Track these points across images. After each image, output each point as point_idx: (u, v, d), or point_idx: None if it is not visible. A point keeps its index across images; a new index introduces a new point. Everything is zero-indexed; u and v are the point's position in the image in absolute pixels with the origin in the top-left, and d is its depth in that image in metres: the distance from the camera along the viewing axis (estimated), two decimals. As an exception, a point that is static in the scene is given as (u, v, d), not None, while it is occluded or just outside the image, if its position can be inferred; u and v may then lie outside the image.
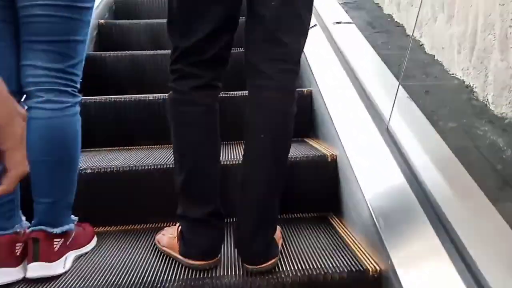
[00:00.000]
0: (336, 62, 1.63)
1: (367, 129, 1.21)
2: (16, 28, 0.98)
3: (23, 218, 1.05)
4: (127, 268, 1.02)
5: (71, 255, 1.05)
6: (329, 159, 1.32)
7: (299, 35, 0.98)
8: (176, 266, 1.02)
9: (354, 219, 1.16)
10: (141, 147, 1.64)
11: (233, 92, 1.66)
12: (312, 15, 1.02)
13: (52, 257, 0.98)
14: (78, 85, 1.06)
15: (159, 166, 1.31)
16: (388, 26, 2.15)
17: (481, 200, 0.84)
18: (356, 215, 1.14)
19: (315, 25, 1.75)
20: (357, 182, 1.12)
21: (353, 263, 0.98)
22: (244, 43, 1.00)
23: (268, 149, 0.97)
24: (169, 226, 1.21)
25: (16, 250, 0.98)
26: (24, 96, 1.02)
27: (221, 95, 1.05)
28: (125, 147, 1.64)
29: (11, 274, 0.96)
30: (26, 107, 1.01)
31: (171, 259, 1.05)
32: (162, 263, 1.04)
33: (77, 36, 1.01)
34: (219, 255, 1.03)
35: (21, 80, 0.99)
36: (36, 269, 0.96)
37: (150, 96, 1.64)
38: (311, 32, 1.01)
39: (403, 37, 1.99)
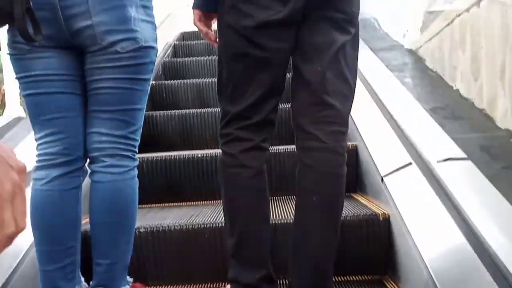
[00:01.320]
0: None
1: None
2: (85, 99, 1.08)
3: (82, 279, 1.09)
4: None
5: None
6: (381, 218, 1.28)
7: (346, 97, 1.01)
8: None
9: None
10: (190, 203, 1.68)
11: (277, 148, 1.69)
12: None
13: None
14: (137, 149, 1.12)
15: (208, 225, 1.33)
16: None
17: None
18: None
19: (410, 163, 1.28)
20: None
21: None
22: (291, 104, 1.04)
23: (321, 212, 0.98)
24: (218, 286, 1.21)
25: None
26: (88, 160, 1.10)
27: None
28: (174, 204, 1.68)
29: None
30: (89, 171, 1.09)
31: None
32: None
33: (137, 105, 1.09)
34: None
35: (87, 146, 1.07)
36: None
37: (199, 154, 1.70)
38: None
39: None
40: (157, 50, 1.11)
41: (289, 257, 1.03)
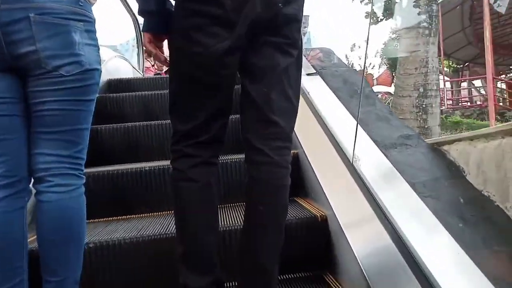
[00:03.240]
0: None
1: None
2: (27, 120, 1.08)
3: (31, 298, 1.09)
4: None
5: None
6: (320, 220, 1.40)
7: (289, 115, 1.09)
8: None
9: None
10: (139, 215, 1.70)
11: (225, 157, 1.76)
12: None
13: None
14: (83, 168, 1.15)
15: (157, 236, 1.36)
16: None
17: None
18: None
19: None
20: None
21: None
22: (240, 119, 1.11)
23: (266, 219, 1.06)
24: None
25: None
26: (33, 181, 1.10)
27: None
28: (123, 217, 1.69)
29: None
30: (35, 191, 1.09)
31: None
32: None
33: (83, 125, 1.11)
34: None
35: (32, 166, 1.08)
36: None
37: (146, 167, 1.73)
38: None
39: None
40: (100, 71, 1.14)
41: (237, 261, 1.11)
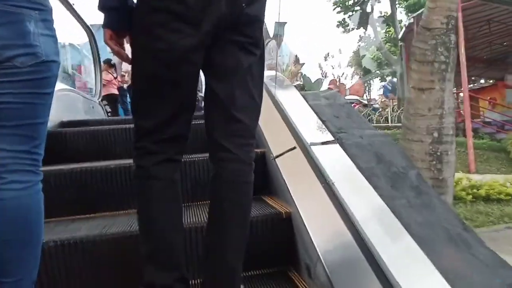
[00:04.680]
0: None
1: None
2: None
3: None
4: None
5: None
6: (284, 216, 1.42)
7: (253, 112, 1.12)
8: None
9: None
10: (102, 214, 1.67)
11: (191, 156, 1.76)
12: None
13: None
14: (41, 164, 1.11)
15: (121, 235, 1.34)
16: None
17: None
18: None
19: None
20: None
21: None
22: (204, 116, 1.12)
23: (231, 216, 1.07)
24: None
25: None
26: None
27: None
28: (86, 215, 1.65)
29: None
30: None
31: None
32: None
33: (40, 119, 1.07)
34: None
35: None
36: None
37: (111, 165, 1.70)
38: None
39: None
40: (59, 64, 1.09)
41: (202, 258, 1.11)
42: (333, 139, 1.50)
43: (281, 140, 1.72)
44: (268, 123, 1.93)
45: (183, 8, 0.97)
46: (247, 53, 1.07)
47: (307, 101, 1.89)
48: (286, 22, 11.36)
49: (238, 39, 1.05)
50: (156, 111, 1.06)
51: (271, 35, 10.79)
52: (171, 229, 1.09)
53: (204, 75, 1.11)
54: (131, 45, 1.07)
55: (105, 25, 1.07)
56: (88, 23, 4.04)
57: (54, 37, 1.07)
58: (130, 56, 1.09)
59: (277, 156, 1.65)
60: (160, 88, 1.04)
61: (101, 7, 1.05)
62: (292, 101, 1.93)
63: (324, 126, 1.62)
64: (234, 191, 1.08)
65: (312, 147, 1.46)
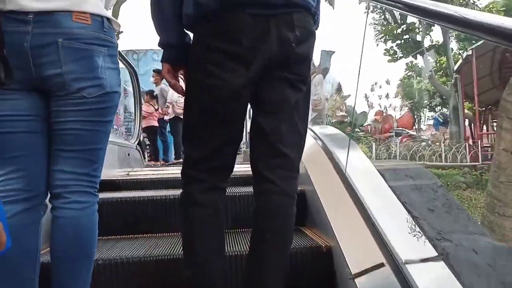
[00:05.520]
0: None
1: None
2: (48, 137, 1.13)
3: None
4: None
5: None
6: (324, 250, 1.41)
7: (298, 147, 1.15)
8: None
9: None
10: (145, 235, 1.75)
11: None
12: None
13: None
14: (98, 186, 1.19)
15: (165, 256, 1.40)
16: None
17: None
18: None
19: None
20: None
21: None
22: (250, 148, 1.16)
23: (272, 246, 1.09)
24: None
25: None
26: (49, 196, 1.14)
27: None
28: (130, 236, 1.74)
29: None
30: (50, 206, 1.14)
31: None
32: None
33: (100, 145, 1.17)
34: None
35: (50, 182, 1.13)
36: None
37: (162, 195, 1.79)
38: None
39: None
40: (119, 94, 1.19)
41: (241, 285, 1.13)
42: (435, 254, 1.03)
43: (358, 244, 1.30)
44: (338, 210, 1.53)
45: (238, 49, 1.03)
46: (295, 89, 1.11)
47: (386, 181, 1.44)
48: (334, 52, 11.23)
49: (286, 76, 1.09)
50: (206, 143, 1.11)
51: (316, 64, 10.71)
52: (212, 254, 1.12)
53: (252, 109, 1.16)
54: (186, 79, 1.14)
55: (164, 60, 1.15)
56: (136, 49, 4.08)
57: (117, 69, 1.18)
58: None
59: (358, 275, 1.15)
60: (211, 122, 1.09)
61: (161, 44, 1.13)
62: (367, 180, 1.50)
63: (418, 228, 1.17)
64: (276, 223, 1.11)
65: (407, 266, 1.01)
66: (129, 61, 4.11)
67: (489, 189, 3.48)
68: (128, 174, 2.74)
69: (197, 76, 1.09)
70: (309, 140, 1.89)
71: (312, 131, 2.15)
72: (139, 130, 4.07)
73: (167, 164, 6.57)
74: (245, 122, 1.16)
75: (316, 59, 10.78)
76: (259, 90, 1.10)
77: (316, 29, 1.16)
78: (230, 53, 1.03)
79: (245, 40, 1.02)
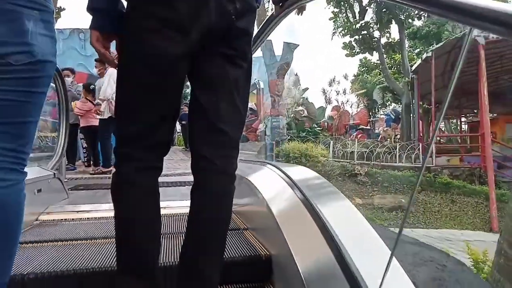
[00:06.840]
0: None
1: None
2: None
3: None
4: None
5: None
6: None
7: (237, 125, 1.13)
8: None
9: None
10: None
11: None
12: None
13: None
14: (26, 163, 1.11)
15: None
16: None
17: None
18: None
19: None
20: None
21: None
22: (188, 126, 1.13)
23: (210, 227, 1.08)
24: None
25: None
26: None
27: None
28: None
29: None
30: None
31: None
32: None
33: (31, 118, 1.08)
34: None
35: None
36: None
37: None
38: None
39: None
40: (55, 64, 1.10)
41: (178, 266, 1.10)
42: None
43: None
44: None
45: (174, 15, 0.99)
46: (234, 66, 1.09)
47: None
48: (298, 45, 10.99)
49: (226, 51, 1.07)
50: (141, 118, 1.06)
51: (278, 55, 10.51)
52: (149, 236, 1.09)
53: (190, 84, 1.13)
54: (119, 50, 1.08)
55: (93, 27, 1.07)
56: (83, 27, 3.44)
57: (53, 37, 1.08)
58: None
59: None
60: (145, 95, 1.04)
61: (89, 8, 1.06)
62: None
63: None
64: (214, 202, 1.09)
65: None
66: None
67: (505, 248, 2.91)
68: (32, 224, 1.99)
69: (131, 45, 1.04)
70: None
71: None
72: (61, 153, 3.18)
73: (102, 172, 5.35)
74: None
75: (277, 49, 10.58)
76: (197, 64, 1.08)
77: (258, 7, 1.14)
78: (166, 19, 0.99)
79: (182, 7, 0.98)
